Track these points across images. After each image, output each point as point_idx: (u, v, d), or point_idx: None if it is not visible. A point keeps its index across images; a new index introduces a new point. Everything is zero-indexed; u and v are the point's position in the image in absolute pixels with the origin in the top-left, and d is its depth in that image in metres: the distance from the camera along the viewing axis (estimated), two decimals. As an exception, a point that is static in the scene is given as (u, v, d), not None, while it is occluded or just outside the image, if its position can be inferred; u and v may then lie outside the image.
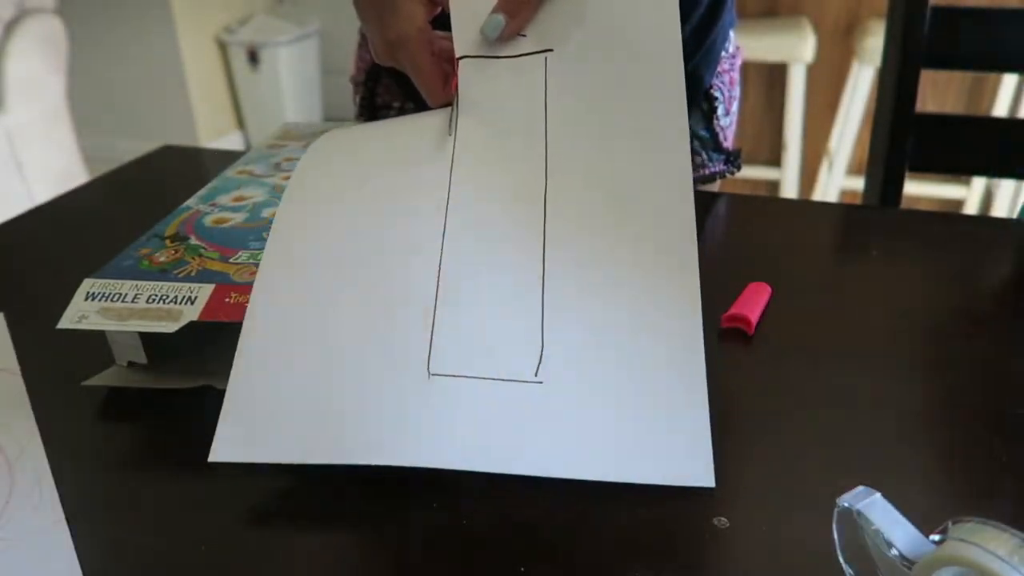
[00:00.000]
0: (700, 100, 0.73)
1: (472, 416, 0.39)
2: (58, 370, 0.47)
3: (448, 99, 0.48)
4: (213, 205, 0.54)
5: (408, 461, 0.37)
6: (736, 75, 0.76)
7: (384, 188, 0.46)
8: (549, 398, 0.39)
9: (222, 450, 0.38)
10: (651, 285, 0.42)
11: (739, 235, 0.66)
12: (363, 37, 0.79)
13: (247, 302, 0.43)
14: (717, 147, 0.75)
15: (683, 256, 0.43)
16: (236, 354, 0.41)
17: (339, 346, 0.41)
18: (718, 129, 0.74)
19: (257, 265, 0.46)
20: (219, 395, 0.43)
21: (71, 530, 0.37)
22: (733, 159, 0.76)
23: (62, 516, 0.37)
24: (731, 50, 0.75)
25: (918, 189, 2.10)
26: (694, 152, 0.75)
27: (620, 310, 0.42)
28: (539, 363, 0.40)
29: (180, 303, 0.43)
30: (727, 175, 0.76)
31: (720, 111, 0.74)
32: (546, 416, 0.39)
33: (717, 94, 0.73)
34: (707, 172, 0.75)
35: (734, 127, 0.78)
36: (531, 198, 0.45)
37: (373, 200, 0.45)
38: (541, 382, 0.40)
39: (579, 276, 0.43)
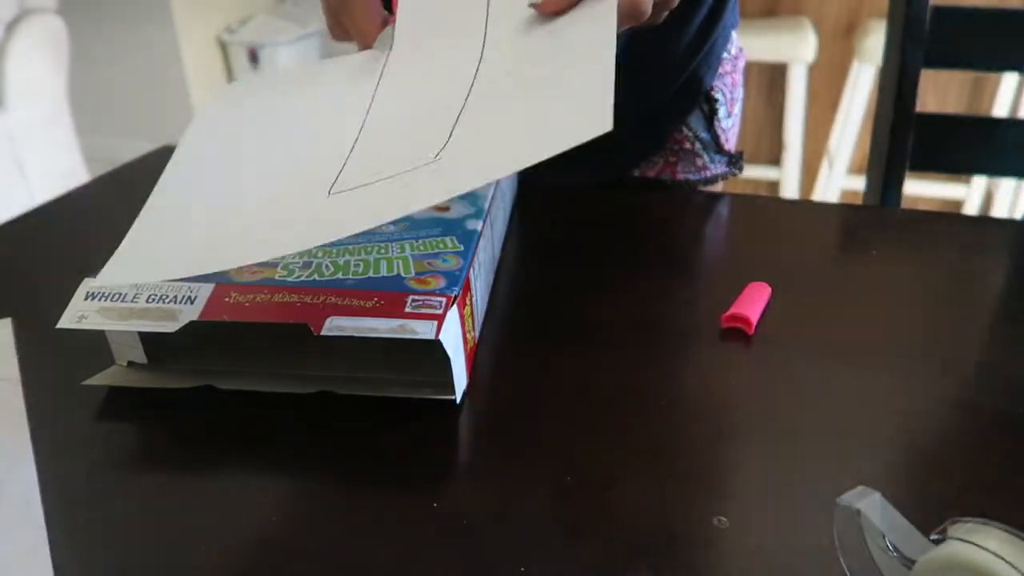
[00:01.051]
0: (701, 102, 0.73)
1: (368, 203, 0.38)
2: (58, 370, 0.47)
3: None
4: (213, 205, 0.54)
5: (299, 246, 0.36)
6: (739, 76, 0.76)
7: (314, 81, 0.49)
8: (446, 162, 0.37)
9: (107, 275, 0.38)
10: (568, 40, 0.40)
11: (739, 235, 0.66)
12: None
13: (247, 302, 0.43)
14: (719, 149, 0.75)
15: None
16: (145, 205, 0.41)
17: (249, 181, 0.41)
18: (719, 131, 0.74)
19: (257, 265, 0.46)
20: (219, 395, 0.44)
21: (72, 528, 0.37)
22: (735, 161, 0.76)
23: (45, 539, 0.36)
24: (733, 52, 0.75)
25: (918, 189, 2.10)
26: (695, 155, 0.74)
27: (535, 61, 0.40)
28: (443, 147, 0.38)
29: (180, 303, 0.43)
30: (729, 177, 0.76)
31: (722, 113, 0.74)
32: (440, 169, 0.37)
33: (718, 96, 0.73)
34: (708, 174, 0.75)
35: (736, 128, 0.78)
36: (469, 43, 0.45)
37: (303, 85, 0.48)
38: (440, 159, 0.38)
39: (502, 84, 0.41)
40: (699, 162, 0.75)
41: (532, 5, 0.44)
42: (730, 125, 0.76)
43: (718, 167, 0.75)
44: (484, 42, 0.45)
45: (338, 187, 0.40)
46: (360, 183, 0.40)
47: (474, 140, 0.38)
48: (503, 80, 0.42)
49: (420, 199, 0.35)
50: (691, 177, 0.75)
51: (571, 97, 0.35)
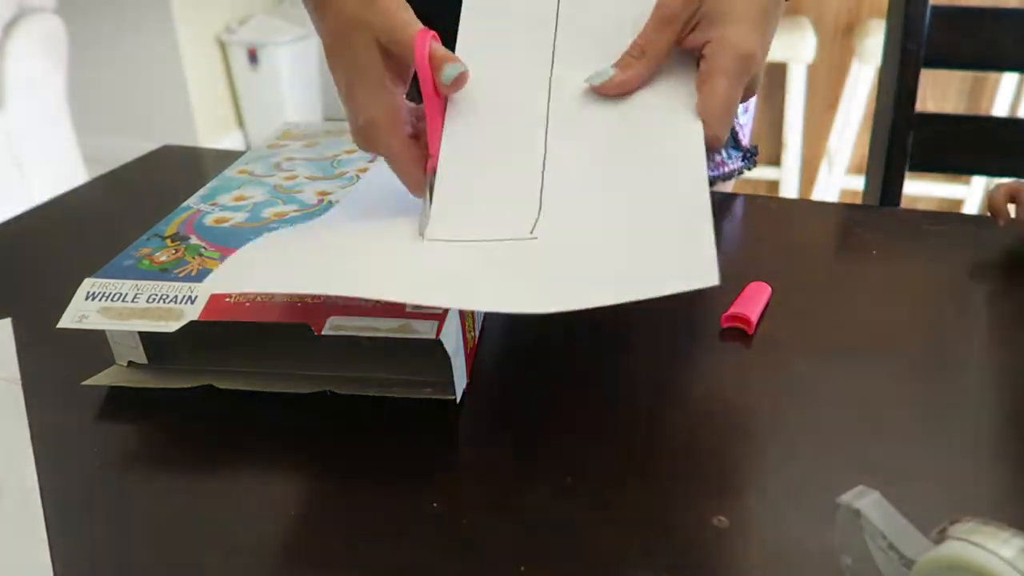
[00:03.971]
0: None
1: (464, 268, 0.39)
2: (58, 370, 0.47)
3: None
4: (214, 205, 0.54)
5: (393, 296, 0.36)
6: None
7: None
8: (545, 249, 0.39)
9: (215, 283, 0.40)
10: (653, 130, 0.42)
11: (739, 235, 0.66)
12: None
13: (247, 302, 0.43)
14: (736, 145, 0.75)
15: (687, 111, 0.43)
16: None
17: (343, 227, 0.45)
18: (737, 128, 0.74)
19: (257, 265, 0.46)
20: (219, 395, 0.44)
21: (72, 528, 0.37)
22: (750, 155, 0.77)
23: (45, 539, 0.36)
24: None
25: (918, 189, 2.10)
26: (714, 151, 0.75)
27: (620, 152, 0.42)
28: (536, 221, 0.41)
29: (180, 303, 0.43)
30: (744, 171, 0.77)
31: (739, 109, 0.74)
32: (542, 263, 0.38)
33: None
34: (726, 170, 0.76)
35: (751, 123, 0.79)
36: (536, 75, 0.46)
37: None
38: (536, 238, 0.40)
39: (580, 134, 0.44)
40: (718, 158, 0.75)
41: (592, 87, 0.45)
42: (746, 121, 0.76)
43: (735, 162, 0.76)
44: (550, 89, 0.46)
45: (431, 231, 0.41)
46: (452, 231, 0.41)
47: (567, 236, 0.40)
48: (585, 160, 0.43)
49: (513, 303, 0.36)
50: (711, 173, 0.76)
51: (674, 243, 0.37)
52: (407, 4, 0.45)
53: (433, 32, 0.44)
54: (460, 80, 0.44)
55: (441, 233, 0.42)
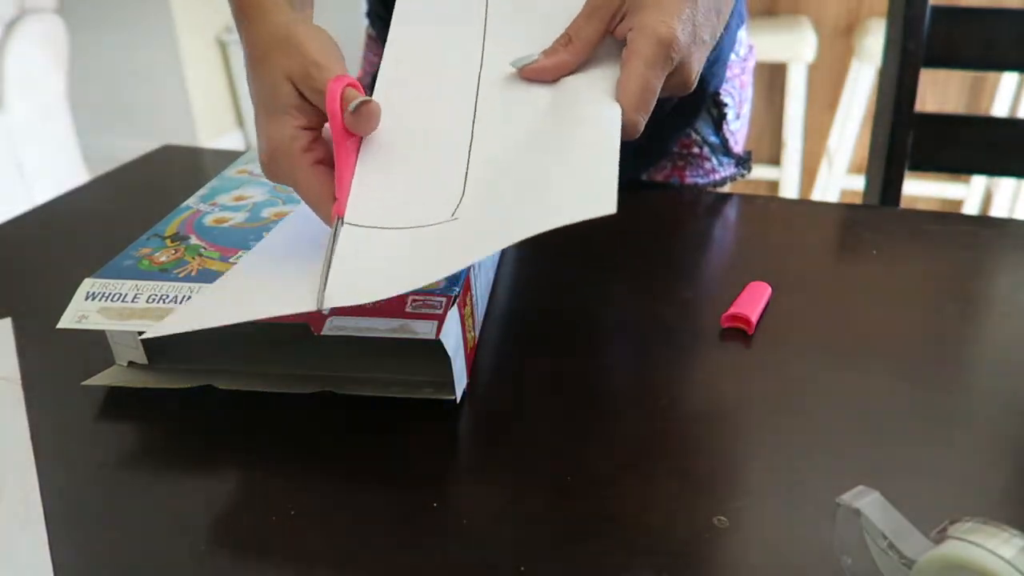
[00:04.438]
0: (708, 106, 0.72)
1: (383, 257, 0.40)
2: (58, 370, 0.47)
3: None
4: (213, 205, 0.54)
5: (320, 305, 0.38)
6: (747, 77, 0.75)
7: None
8: (464, 226, 0.40)
9: (159, 328, 0.41)
10: (574, 111, 0.43)
11: (739, 235, 0.66)
12: (368, 38, 0.79)
13: (247, 302, 0.43)
14: (727, 151, 0.74)
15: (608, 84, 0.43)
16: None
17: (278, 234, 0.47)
18: (728, 134, 0.73)
19: (257, 265, 0.46)
20: (219, 395, 0.44)
21: (72, 528, 0.37)
22: (743, 162, 0.75)
23: (45, 539, 0.36)
24: (742, 53, 0.74)
25: (918, 189, 2.10)
26: (704, 158, 0.74)
27: (539, 133, 0.43)
28: (458, 204, 0.41)
29: (180, 303, 0.43)
30: (737, 178, 0.76)
31: (730, 116, 0.73)
32: (460, 236, 0.39)
33: (727, 99, 0.72)
34: (717, 177, 0.75)
35: (745, 129, 0.77)
36: (466, 64, 0.47)
37: None
38: (457, 219, 0.40)
39: (506, 121, 0.44)
40: (707, 165, 0.74)
41: (518, 70, 0.46)
42: (739, 127, 0.75)
43: (726, 169, 0.75)
44: (479, 80, 0.47)
45: (350, 219, 0.41)
46: (372, 223, 0.41)
47: (486, 207, 0.40)
48: (509, 143, 0.43)
49: (438, 271, 0.37)
50: (699, 180, 0.75)
51: (576, 180, 0.38)
52: (328, 43, 0.43)
53: (350, 79, 0.42)
54: (365, 111, 0.42)
55: (360, 220, 0.41)
